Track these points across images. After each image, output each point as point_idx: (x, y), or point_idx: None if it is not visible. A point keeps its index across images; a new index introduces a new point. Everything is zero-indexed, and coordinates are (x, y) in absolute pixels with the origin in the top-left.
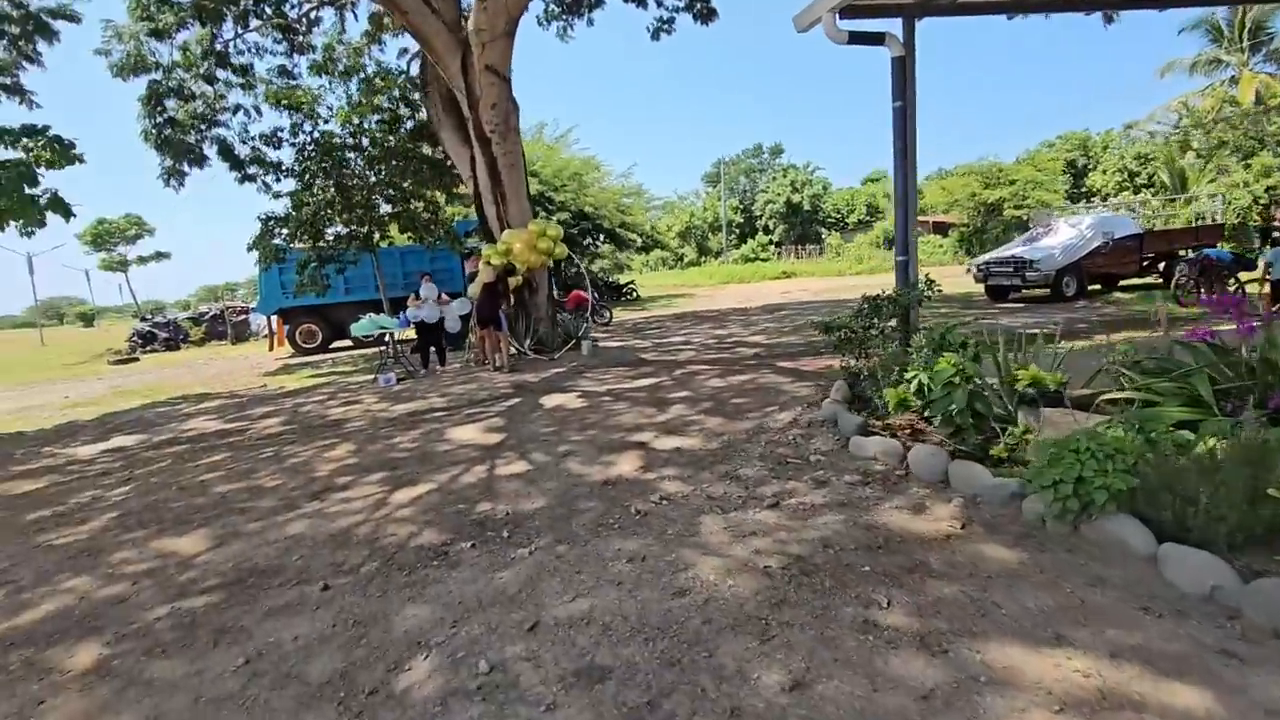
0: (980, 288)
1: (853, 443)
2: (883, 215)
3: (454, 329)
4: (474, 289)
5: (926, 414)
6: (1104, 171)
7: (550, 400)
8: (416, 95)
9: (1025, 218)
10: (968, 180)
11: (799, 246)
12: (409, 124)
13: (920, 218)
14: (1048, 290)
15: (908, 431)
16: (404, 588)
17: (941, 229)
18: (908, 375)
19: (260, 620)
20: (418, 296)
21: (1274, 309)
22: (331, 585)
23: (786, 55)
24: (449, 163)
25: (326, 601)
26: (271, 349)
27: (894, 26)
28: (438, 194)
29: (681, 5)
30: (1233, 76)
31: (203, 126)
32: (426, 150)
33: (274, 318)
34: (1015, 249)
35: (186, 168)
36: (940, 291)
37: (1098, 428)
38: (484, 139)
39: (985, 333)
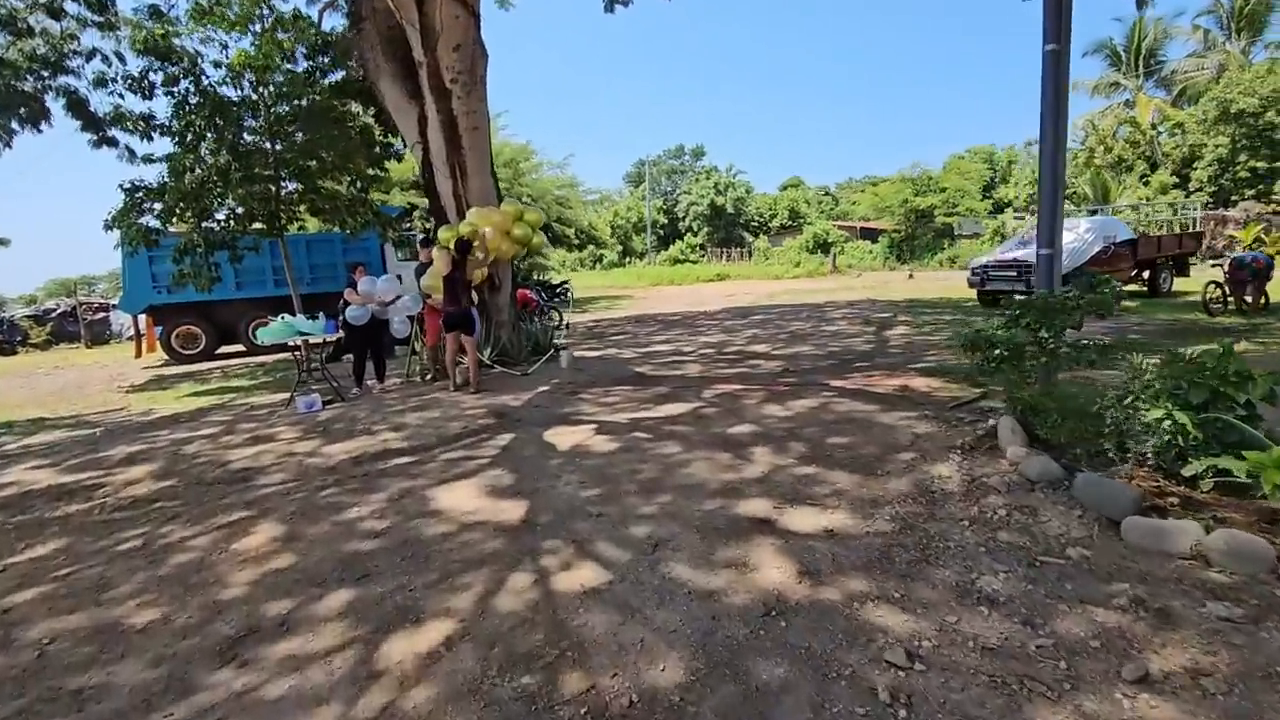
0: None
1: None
2: (808, 220)
3: (402, 332)
4: (428, 281)
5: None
6: (1015, 184)
7: (560, 437)
8: (332, 52)
9: (955, 225)
10: (900, 187)
11: (724, 249)
12: (328, 79)
13: (848, 222)
14: None
15: (1170, 499)
16: None
17: (870, 234)
18: (1148, 416)
19: None
20: (356, 290)
21: None
22: None
23: (707, 56)
24: (380, 130)
25: None
26: (139, 355)
27: None
28: (367, 168)
29: None
30: (1128, 100)
31: (44, 73)
32: (356, 109)
33: (143, 317)
34: (1013, 252)
35: (18, 125)
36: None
37: None
38: (441, 90)
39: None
